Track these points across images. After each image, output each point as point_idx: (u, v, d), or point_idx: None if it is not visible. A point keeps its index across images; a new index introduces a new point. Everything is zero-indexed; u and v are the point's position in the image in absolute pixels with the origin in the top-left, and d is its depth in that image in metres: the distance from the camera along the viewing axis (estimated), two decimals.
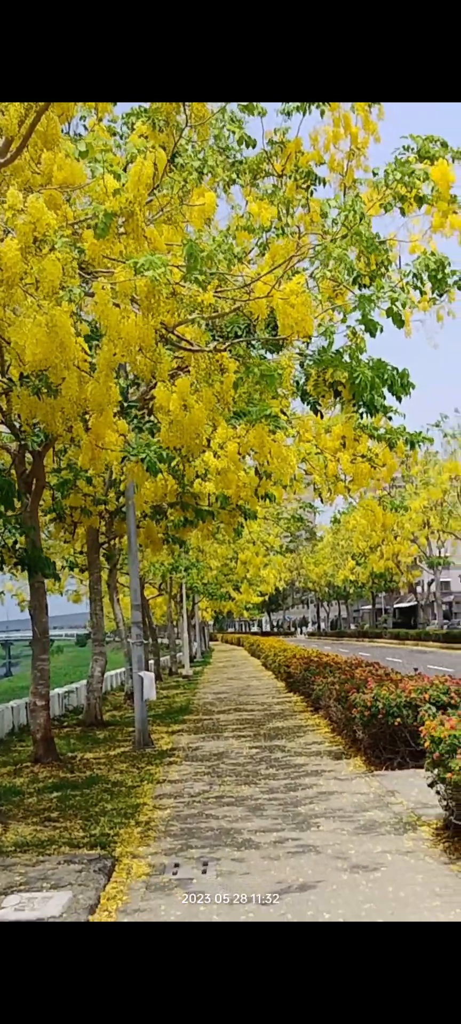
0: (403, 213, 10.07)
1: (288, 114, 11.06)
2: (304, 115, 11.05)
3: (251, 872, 8.25)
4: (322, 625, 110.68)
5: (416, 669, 17.38)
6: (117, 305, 9.43)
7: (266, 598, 67.93)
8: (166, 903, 7.46)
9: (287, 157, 11.93)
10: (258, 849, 9.06)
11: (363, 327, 10.23)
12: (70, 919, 6.77)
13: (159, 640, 44.10)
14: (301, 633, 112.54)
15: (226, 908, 7.24)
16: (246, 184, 12.50)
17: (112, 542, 24.22)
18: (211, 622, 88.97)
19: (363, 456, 16.34)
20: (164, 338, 11.10)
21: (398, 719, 12.70)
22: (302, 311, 10.11)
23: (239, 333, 12.09)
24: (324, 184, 12.48)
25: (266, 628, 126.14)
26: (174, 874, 8.30)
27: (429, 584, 67.61)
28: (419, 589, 71.41)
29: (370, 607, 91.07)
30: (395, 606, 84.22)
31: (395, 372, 11.69)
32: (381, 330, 10.22)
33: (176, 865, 8.60)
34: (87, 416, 11.99)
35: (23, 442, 13.33)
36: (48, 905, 7.06)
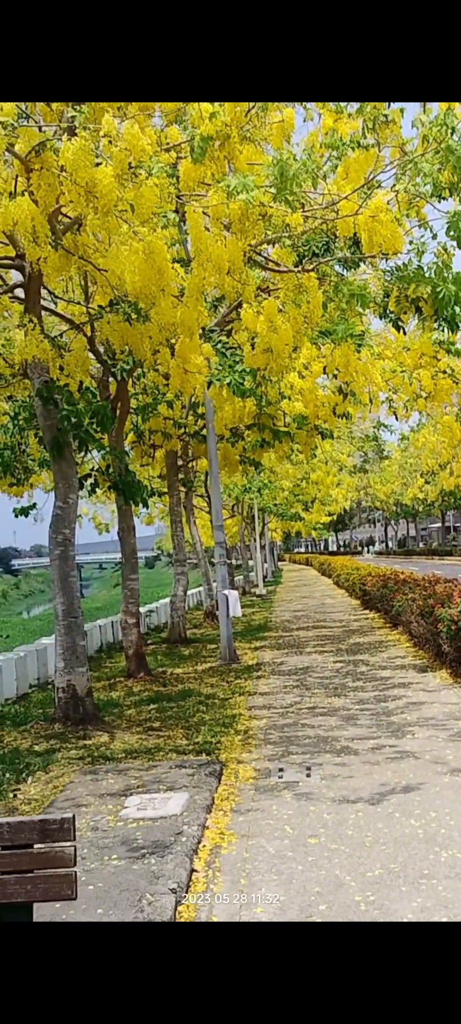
0: None
1: None
2: None
3: (354, 776, 8.58)
4: (390, 544, 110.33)
5: None
6: (207, 229, 9.57)
7: (334, 518, 67.93)
8: (276, 803, 7.83)
9: None
10: (357, 755, 9.38)
11: (455, 243, 10.13)
12: (189, 818, 7.18)
13: (232, 560, 44.58)
14: (368, 552, 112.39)
15: (335, 807, 7.59)
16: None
17: (189, 465, 24.56)
18: (279, 542, 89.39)
19: (444, 372, 16.29)
20: (252, 259, 11.21)
21: None
22: (391, 228, 10.13)
23: (316, 252, 12.12)
24: None
25: (332, 548, 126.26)
26: (280, 778, 8.67)
27: None
28: None
29: (438, 525, 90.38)
30: None
31: None
32: None
33: (281, 770, 8.97)
34: (173, 341, 12.21)
35: (113, 368, 13.62)
36: (168, 805, 7.49)
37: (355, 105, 11.28)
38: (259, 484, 32.83)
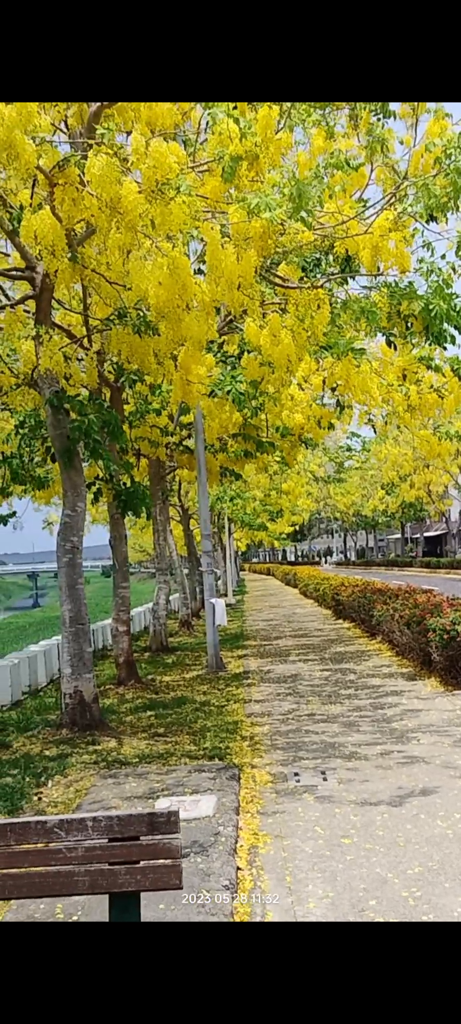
0: None
1: None
2: None
3: (369, 779, 8.84)
4: (349, 554, 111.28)
5: None
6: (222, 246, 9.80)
7: (297, 528, 68.54)
8: (301, 806, 8.06)
9: None
10: (367, 760, 9.65)
11: None
12: (222, 819, 7.38)
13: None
14: (326, 563, 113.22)
15: (359, 809, 7.84)
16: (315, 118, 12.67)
17: (169, 475, 24.73)
18: (242, 552, 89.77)
19: (431, 387, 16.72)
20: (261, 275, 11.47)
21: None
22: (399, 247, 10.51)
23: (305, 267, 12.43)
24: (394, 117, 12.69)
25: (291, 558, 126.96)
26: (297, 782, 8.90)
27: (460, 513, 67.88)
28: (446, 518, 71.76)
29: (397, 536, 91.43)
30: (424, 535, 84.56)
31: None
32: None
33: (296, 774, 9.20)
34: (176, 352, 12.41)
35: (121, 379, 13.79)
36: (199, 807, 7.68)
37: (342, 126, 11.56)
38: (232, 494, 33.08)
